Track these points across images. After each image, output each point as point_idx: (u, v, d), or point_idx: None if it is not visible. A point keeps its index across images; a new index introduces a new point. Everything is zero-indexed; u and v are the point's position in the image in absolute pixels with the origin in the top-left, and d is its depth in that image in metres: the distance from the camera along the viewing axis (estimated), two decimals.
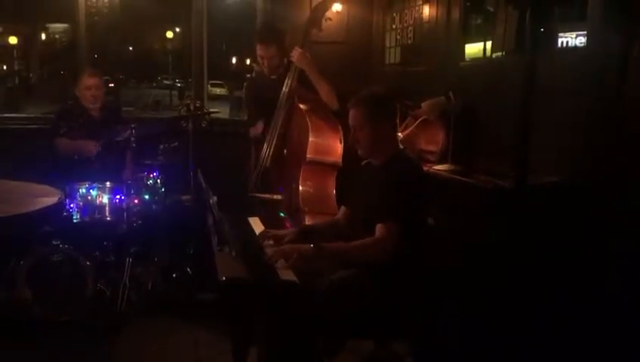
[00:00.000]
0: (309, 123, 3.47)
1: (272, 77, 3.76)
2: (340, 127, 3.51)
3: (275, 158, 3.68)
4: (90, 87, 4.03)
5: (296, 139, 3.57)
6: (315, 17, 3.70)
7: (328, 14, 3.79)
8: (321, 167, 3.50)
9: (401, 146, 2.55)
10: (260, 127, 3.83)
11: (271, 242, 2.61)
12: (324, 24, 3.75)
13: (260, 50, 3.70)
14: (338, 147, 3.53)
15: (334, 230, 2.62)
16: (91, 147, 3.90)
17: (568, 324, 2.41)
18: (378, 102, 2.49)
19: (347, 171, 3.43)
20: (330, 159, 3.52)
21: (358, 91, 2.54)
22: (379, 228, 2.30)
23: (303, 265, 2.29)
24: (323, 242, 2.35)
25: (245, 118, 4.33)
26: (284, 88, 3.64)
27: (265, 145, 3.72)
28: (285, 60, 3.72)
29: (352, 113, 2.49)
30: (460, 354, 2.77)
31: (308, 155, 3.45)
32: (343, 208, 2.78)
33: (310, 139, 3.45)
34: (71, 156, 3.96)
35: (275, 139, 3.67)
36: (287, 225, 3.33)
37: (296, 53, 3.59)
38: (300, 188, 3.45)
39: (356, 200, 2.65)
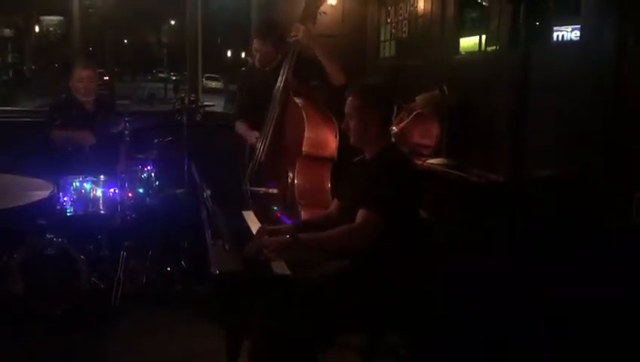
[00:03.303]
0: (304, 117, 3.46)
1: (266, 68, 3.75)
2: (335, 121, 3.50)
3: (270, 152, 3.67)
4: (82, 79, 4.01)
5: (292, 133, 3.56)
6: (309, 12, 3.69)
7: (323, 8, 3.78)
8: (317, 161, 3.50)
9: (393, 140, 2.56)
10: (254, 135, 3.79)
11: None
12: (319, 18, 3.74)
13: (256, 44, 3.72)
14: (334, 141, 3.52)
15: (329, 223, 2.62)
16: (87, 135, 3.88)
17: (564, 318, 2.41)
18: (374, 93, 2.50)
19: (342, 165, 3.43)
20: (326, 153, 3.51)
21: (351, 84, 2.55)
22: (358, 216, 2.31)
23: (282, 256, 2.30)
24: None
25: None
26: (278, 82, 3.62)
27: (260, 139, 3.71)
28: (279, 56, 3.72)
29: (348, 101, 2.51)
30: (455, 347, 2.77)
31: (304, 149, 3.44)
32: (335, 201, 2.79)
33: (306, 133, 3.44)
34: (66, 147, 3.93)
35: (270, 133, 3.66)
36: (280, 217, 3.33)
37: (300, 30, 3.56)
38: (296, 181, 3.45)
39: (348, 193, 2.65)
